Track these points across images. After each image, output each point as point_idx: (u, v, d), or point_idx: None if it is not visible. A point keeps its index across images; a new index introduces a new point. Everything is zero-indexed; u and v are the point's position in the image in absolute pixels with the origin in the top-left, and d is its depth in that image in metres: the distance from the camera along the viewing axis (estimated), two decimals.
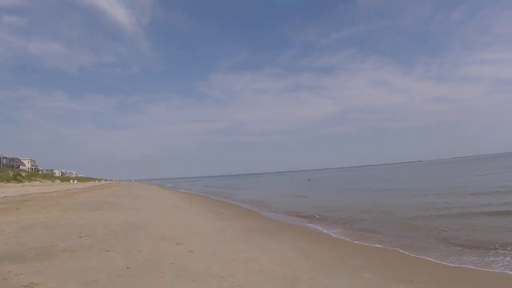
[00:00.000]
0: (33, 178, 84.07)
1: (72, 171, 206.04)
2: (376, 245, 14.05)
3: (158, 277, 7.60)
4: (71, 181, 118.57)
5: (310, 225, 20.16)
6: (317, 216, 23.78)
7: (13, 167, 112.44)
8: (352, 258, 11.32)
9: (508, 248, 12.45)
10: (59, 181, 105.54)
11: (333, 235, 16.72)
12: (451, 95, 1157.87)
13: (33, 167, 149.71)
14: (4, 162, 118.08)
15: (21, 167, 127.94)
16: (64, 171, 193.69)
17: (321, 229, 18.66)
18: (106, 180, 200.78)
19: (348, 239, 15.54)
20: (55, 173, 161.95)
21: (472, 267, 10.59)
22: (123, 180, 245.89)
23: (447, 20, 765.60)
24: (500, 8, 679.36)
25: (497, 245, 12.88)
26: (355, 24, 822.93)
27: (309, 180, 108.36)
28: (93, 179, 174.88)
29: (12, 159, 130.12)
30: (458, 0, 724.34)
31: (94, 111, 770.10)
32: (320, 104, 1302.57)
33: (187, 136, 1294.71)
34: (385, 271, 9.81)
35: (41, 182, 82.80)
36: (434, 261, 11.51)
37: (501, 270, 10.15)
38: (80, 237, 11.93)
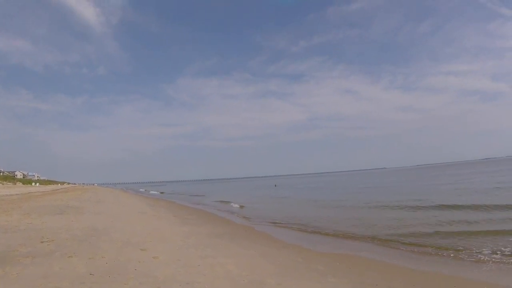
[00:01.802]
0: None
1: (34, 174, 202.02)
2: (341, 251, 14.19)
3: (122, 284, 7.50)
4: (33, 183, 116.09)
5: (276, 230, 20.23)
6: (283, 221, 23.86)
7: None
8: (317, 263, 11.40)
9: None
10: (21, 183, 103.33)
11: (297, 240, 16.80)
12: (416, 105, 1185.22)
13: None
14: None
15: None
16: (26, 173, 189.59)
17: (287, 234, 18.74)
18: (69, 183, 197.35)
19: (313, 245, 15.65)
20: (16, 175, 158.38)
21: (437, 269, 10.81)
22: (86, 184, 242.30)
23: (414, 32, 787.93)
24: (466, 21, 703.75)
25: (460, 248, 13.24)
26: (325, 33, 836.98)
27: (276, 185, 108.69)
28: (56, 182, 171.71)
29: None
30: (426, 13, 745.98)
31: (59, 111, 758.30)
32: (288, 111, 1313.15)
33: (153, 139, 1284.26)
34: (351, 275, 9.91)
35: (2, 184, 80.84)
36: (400, 264, 11.73)
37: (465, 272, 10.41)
38: (41, 242, 11.69)
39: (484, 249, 13.04)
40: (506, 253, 12.46)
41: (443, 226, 18.37)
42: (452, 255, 12.86)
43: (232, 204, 41.76)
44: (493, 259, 11.90)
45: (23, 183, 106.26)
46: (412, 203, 28.42)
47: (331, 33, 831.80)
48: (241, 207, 37.55)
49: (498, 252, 12.58)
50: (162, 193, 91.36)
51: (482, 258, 12.12)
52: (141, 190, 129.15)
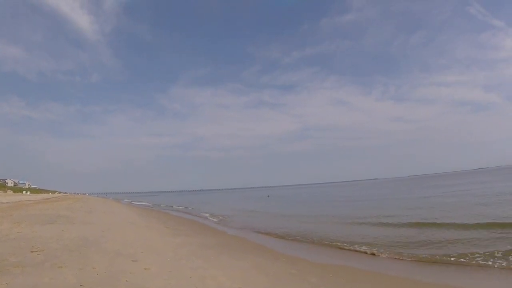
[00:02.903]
0: None
1: (25, 182, 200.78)
2: (333, 262, 14.19)
3: None
4: (24, 192, 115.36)
5: (268, 241, 20.20)
6: (275, 232, 23.85)
7: None
8: (311, 274, 11.38)
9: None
10: (12, 191, 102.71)
11: (291, 251, 16.78)
12: (408, 115, 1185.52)
13: None
14: None
15: None
16: (17, 181, 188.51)
17: (280, 245, 18.73)
18: (60, 192, 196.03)
19: (306, 256, 15.65)
20: (7, 183, 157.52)
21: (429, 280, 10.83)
22: (78, 193, 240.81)
23: (406, 43, 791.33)
24: (458, 33, 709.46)
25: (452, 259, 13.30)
26: (317, 44, 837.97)
27: (268, 196, 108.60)
28: (47, 191, 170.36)
29: None
30: (417, 25, 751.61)
31: (51, 119, 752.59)
32: (281, 121, 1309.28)
33: (145, 149, 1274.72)
34: (345, 287, 9.90)
35: None
36: (394, 275, 11.77)
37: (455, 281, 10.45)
38: (31, 251, 11.59)
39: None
40: None
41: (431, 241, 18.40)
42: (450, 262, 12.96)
43: (223, 214, 41.66)
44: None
45: (14, 191, 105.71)
46: (390, 220, 28.23)
47: (324, 44, 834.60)
48: (232, 217, 37.48)
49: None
50: (153, 204, 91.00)
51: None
52: (132, 200, 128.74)
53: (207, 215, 42.79)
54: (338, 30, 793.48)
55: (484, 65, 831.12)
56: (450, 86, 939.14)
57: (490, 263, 12.82)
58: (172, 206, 70.34)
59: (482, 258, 13.53)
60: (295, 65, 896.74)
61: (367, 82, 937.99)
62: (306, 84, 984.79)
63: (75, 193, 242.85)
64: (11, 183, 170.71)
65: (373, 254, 15.78)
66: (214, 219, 36.58)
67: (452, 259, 13.79)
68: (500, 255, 13.72)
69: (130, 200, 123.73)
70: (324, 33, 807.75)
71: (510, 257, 13.29)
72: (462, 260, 13.56)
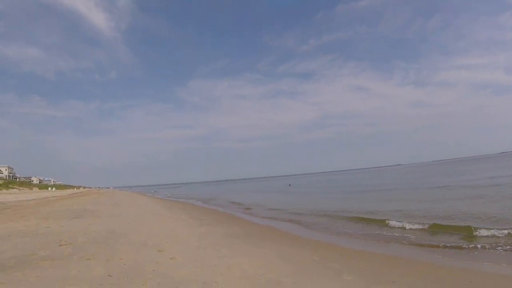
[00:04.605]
0: (10, 186, 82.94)
1: (50, 179, 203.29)
2: (357, 248, 14.16)
3: (140, 285, 7.56)
4: (49, 188, 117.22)
5: (291, 229, 20.22)
6: (298, 220, 23.85)
7: None
8: (333, 261, 11.35)
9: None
10: (37, 188, 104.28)
11: (314, 238, 16.78)
12: (429, 100, 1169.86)
13: (11, 174, 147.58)
14: None
15: None
16: (42, 178, 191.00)
17: (302, 233, 18.73)
18: (84, 187, 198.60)
19: (329, 242, 15.64)
20: (33, 181, 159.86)
21: (456, 264, 10.76)
22: (102, 188, 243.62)
23: (424, 27, 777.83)
24: (476, 15, 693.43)
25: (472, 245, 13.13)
26: (334, 31, 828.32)
27: (290, 185, 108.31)
28: (72, 187, 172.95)
29: None
30: (435, 8, 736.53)
31: (72, 117, 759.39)
32: (300, 110, 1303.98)
33: (166, 142, 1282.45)
34: (367, 273, 9.86)
35: (19, 190, 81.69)
36: (418, 260, 11.69)
37: (479, 266, 10.34)
38: (60, 245, 11.82)
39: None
40: None
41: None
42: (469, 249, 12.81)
43: (245, 204, 41.76)
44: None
45: (40, 188, 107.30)
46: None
47: (341, 30, 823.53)
48: (255, 206, 37.49)
49: None
50: (176, 195, 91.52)
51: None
52: (156, 192, 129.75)
53: (230, 204, 42.95)
54: (354, 15, 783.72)
55: (505, 46, 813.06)
56: (470, 69, 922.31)
57: None
58: (195, 197, 70.63)
59: None
60: (312, 53, 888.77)
61: (386, 67, 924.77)
62: (324, 71, 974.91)
63: (99, 187, 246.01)
64: (37, 180, 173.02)
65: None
66: (237, 208, 36.69)
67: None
68: None
69: (153, 192, 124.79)
70: (340, 20, 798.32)
71: None
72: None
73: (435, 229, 16.76)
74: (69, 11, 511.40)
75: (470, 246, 13.19)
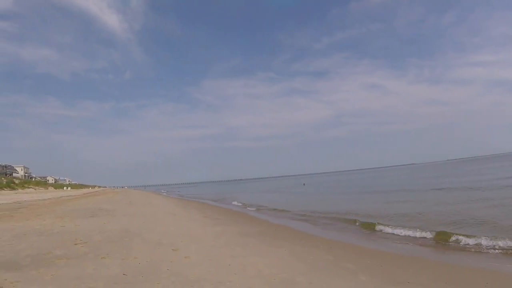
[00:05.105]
0: (26, 185, 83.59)
1: (65, 178, 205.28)
2: (372, 247, 14.09)
3: (155, 283, 7.57)
4: (65, 188, 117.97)
5: (305, 228, 20.19)
6: (312, 219, 23.80)
7: (6, 174, 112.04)
8: (348, 261, 11.29)
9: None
10: (53, 188, 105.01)
11: (328, 238, 16.72)
12: (443, 98, 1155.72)
13: (26, 174, 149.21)
14: None
15: (14, 174, 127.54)
16: (57, 178, 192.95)
17: (317, 232, 18.68)
18: (99, 186, 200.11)
19: (343, 242, 15.59)
20: (48, 180, 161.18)
21: (467, 265, 10.65)
22: (117, 187, 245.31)
23: (438, 23, 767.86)
24: (492, 10, 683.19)
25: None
26: (347, 28, 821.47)
27: (304, 184, 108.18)
28: (87, 186, 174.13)
29: (5, 166, 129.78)
30: (449, 4, 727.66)
31: (87, 117, 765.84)
32: (314, 108, 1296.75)
33: (180, 142, 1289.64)
34: (382, 273, 9.79)
35: (35, 189, 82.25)
36: (432, 260, 11.60)
37: (494, 263, 10.22)
38: (75, 244, 11.88)
39: None
40: None
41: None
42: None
43: (260, 203, 41.67)
44: None
45: (55, 188, 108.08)
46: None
47: (354, 28, 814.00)
48: (270, 205, 37.41)
49: None
50: (191, 194, 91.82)
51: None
52: (171, 191, 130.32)
53: (245, 204, 42.92)
54: (367, 13, 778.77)
55: None
56: (486, 66, 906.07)
57: None
58: (208, 196, 70.79)
59: None
60: (326, 50, 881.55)
61: (400, 64, 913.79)
62: (338, 69, 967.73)
63: (114, 187, 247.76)
64: (52, 180, 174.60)
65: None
66: (251, 208, 36.72)
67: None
68: None
69: (168, 192, 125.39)
70: (354, 17, 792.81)
71: None
72: None
73: (443, 236, 16.08)
74: (82, 12, 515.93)
75: (487, 247, 13.02)
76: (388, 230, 17.79)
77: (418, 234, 16.29)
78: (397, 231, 17.27)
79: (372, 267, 10.66)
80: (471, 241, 13.75)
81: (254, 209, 35.59)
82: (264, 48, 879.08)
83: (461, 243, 13.84)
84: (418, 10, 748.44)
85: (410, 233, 16.62)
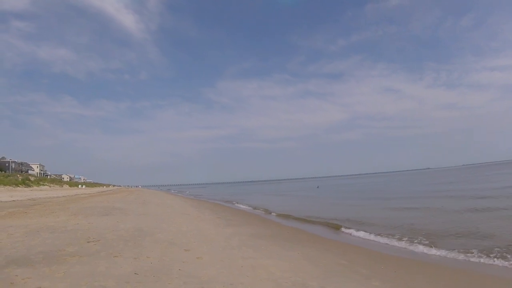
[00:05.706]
0: (41, 182, 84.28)
1: (80, 176, 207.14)
2: (387, 253, 13.94)
3: (166, 284, 7.54)
4: (79, 186, 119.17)
5: (318, 231, 20.08)
6: (326, 222, 23.64)
7: (21, 172, 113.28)
8: (361, 266, 11.19)
9: None
10: (68, 186, 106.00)
11: (341, 241, 16.61)
12: (460, 102, 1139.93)
13: (42, 171, 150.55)
14: (13, 166, 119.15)
15: (29, 171, 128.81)
16: (72, 176, 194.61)
17: (330, 235, 18.58)
18: (114, 185, 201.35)
19: (356, 246, 15.46)
20: (63, 178, 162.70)
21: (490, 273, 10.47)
22: (131, 186, 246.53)
23: (456, 26, 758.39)
24: (510, 13, 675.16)
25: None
26: (363, 31, 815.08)
27: (318, 187, 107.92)
28: (101, 185, 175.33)
29: (21, 164, 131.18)
30: (466, 7, 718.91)
31: (102, 116, 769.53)
32: (328, 111, 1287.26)
33: (195, 142, 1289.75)
34: (396, 279, 9.67)
35: (50, 186, 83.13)
36: (449, 266, 11.44)
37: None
38: (88, 242, 11.92)
39: None
40: None
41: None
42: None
43: (273, 205, 41.57)
44: None
45: (70, 186, 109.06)
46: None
47: (370, 30, 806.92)
48: (283, 208, 37.23)
49: None
50: (204, 195, 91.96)
51: None
52: (184, 191, 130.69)
53: (258, 205, 42.83)
54: (383, 15, 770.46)
55: None
56: (504, 70, 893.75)
57: None
58: (222, 198, 70.81)
59: None
60: (341, 53, 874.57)
61: (416, 68, 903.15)
62: (353, 72, 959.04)
63: (128, 186, 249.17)
64: (67, 178, 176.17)
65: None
66: (264, 210, 36.52)
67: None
68: None
69: (182, 192, 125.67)
70: (370, 19, 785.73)
71: None
72: None
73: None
74: (99, 13, 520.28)
75: (504, 254, 12.78)
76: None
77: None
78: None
79: (386, 272, 10.54)
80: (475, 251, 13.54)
81: (266, 211, 35.40)
82: (279, 50, 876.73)
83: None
84: (435, 13, 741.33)
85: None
